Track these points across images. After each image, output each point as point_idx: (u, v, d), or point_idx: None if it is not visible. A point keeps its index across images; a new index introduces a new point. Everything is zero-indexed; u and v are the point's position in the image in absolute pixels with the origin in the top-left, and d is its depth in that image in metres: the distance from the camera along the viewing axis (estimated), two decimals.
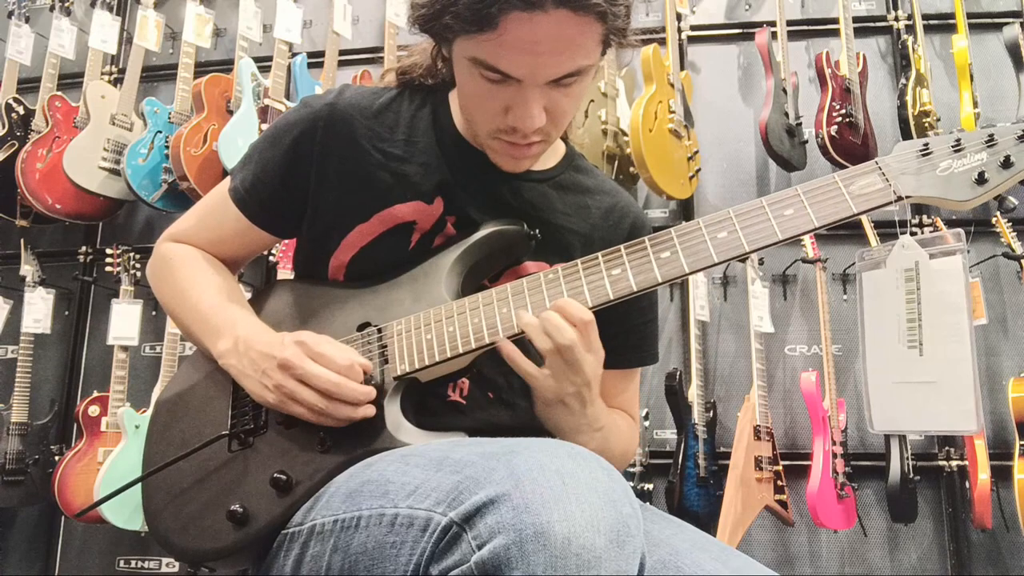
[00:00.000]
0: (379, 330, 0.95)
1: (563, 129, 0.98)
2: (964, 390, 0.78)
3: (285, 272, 2.50)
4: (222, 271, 1.09)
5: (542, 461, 0.66)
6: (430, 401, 0.96)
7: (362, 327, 0.97)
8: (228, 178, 1.09)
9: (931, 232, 2.38)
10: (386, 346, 0.93)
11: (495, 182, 1.03)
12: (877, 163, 0.84)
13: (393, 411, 0.90)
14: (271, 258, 2.58)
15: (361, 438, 0.88)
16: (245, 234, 1.08)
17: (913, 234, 0.75)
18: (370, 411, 0.88)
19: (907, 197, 0.82)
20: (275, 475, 0.86)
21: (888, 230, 2.29)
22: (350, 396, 0.87)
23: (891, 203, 0.82)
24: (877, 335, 0.83)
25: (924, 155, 0.83)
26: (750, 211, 0.85)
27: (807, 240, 2.40)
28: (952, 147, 0.82)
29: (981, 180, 0.80)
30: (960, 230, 0.81)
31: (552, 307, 0.86)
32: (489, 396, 1.00)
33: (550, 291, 0.88)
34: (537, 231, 1.00)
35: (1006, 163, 0.80)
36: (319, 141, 1.01)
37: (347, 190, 1.01)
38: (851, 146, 2.41)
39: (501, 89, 0.89)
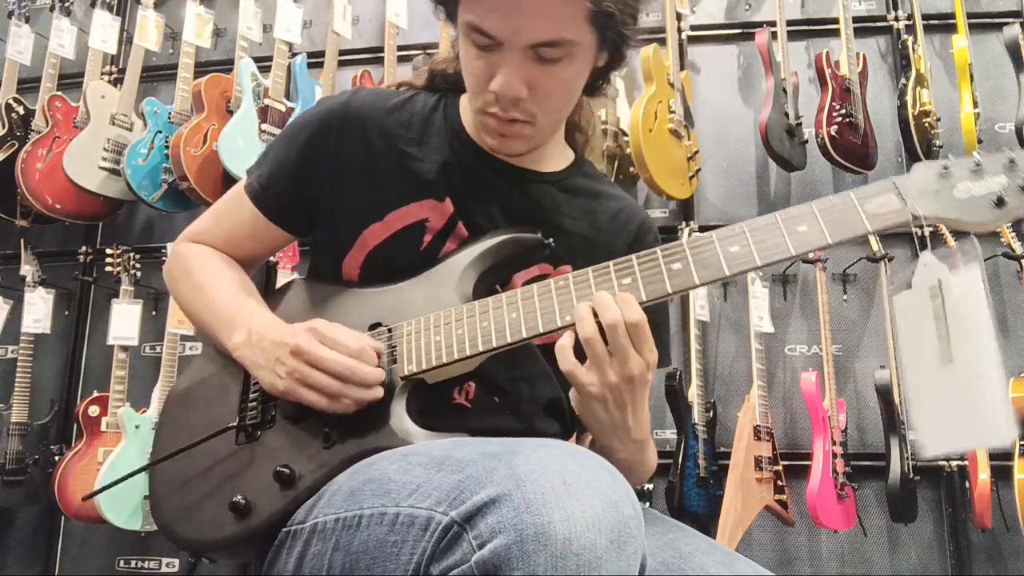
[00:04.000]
0: (389, 330, 0.96)
1: (552, 116, 0.99)
2: (997, 402, 0.77)
3: (285, 272, 2.50)
4: (236, 268, 1.11)
5: (544, 461, 0.66)
6: (435, 403, 0.96)
7: (373, 327, 0.97)
8: (244, 177, 1.11)
9: (931, 232, 2.39)
10: (395, 346, 0.94)
11: (503, 182, 1.04)
12: (894, 182, 0.84)
13: (399, 410, 0.90)
14: (271, 258, 2.58)
15: (365, 435, 0.88)
16: (261, 232, 1.09)
17: (917, 236, 0.75)
18: (379, 392, 0.89)
19: (924, 218, 0.81)
20: (279, 469, 0.87)
21: (890, 231, 2.28)
22: (363, 379, 0.88)
23: (907, 223, 0.81)
24: (914, 358, 0.82)
25: (943, 176, 0.83)
26: (764, 226, 0.85)
27: None
28: (971, 169, 0.82)
29: (1000, 203, 0.80)
30: (973, 237, 0.81)
31: (597, 296, 0.84)
32: (495, 401, 1.00)
33: (559, 297, 0.88)
34: (551, 240, 1.00)
35: None
36: (334, 139, 1.03)
37: (362, 188, 1.02)
38: (851, 146, 2.41)
39: (488, 56, 0.91)
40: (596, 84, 1.04)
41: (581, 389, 0.86)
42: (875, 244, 2.37)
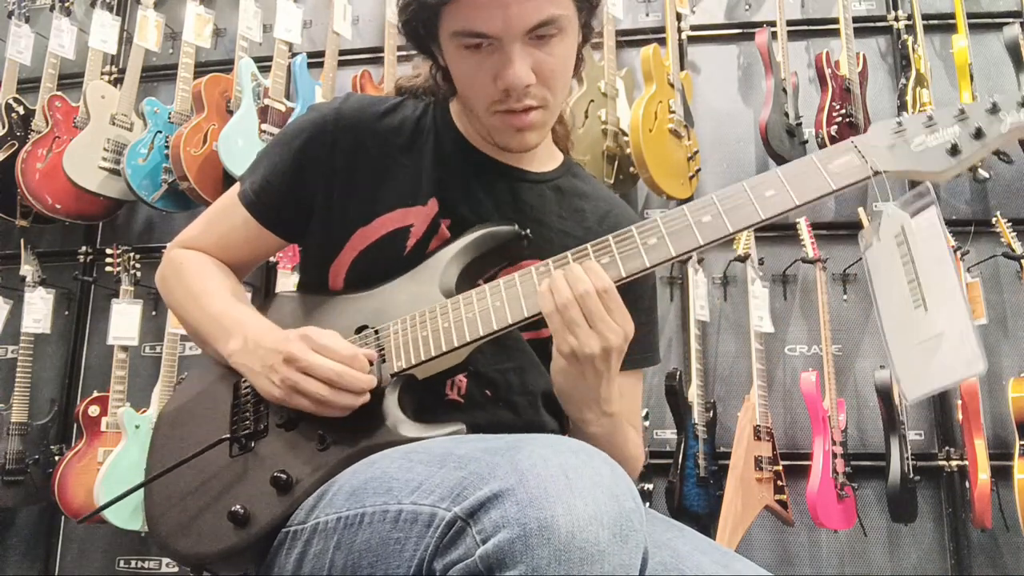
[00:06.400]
0: (376, 332, 0.96)
1: (559, 95, 0.99)
2: (964, 334, 0.80)
3: (285, 272, 2.50)
4: (230, 275, 1.11)
5: (546, 456, 0.66)
6: (428, 400, 0.97)
7: (359, 330, 0.98)
8: (237, 183, 1.11)
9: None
10: (384, 346, 0.95)
11: (494, 183, 1.05)
12: (853, 142, 0.86)
13: (392, 407, 0.91)
14: (271, 259, 2.58)
15: (361, 435, 0.88)
16: (254, 238, 1.09)
17: (877, 188, 0.78)
18: (367, 397, 0.90)
19: (884, 172, 0.84)
20: (275, 474, 0.87)
21: (853, 187, 2.28)
22: (352, 385, 0.88)
23: (868, 178, 0.84)
24: (890, 308, 0.85)
25: (898, 133, 0.85)
26: (732, 194, 0.87)
27: (807, 240, 2.40)
28: (924, 124, 0.85)
29: (954, 151, 0.83)
30: (928, 184, 0.84)
31: (568, 268, 0.86)
32: (487, 394, 1.01)
33: (541, 282, 0.89)
34: (528, 231, 1.01)
35: (977, 134, 0.82)
36: (327, 145, 1.04)
37: (352, 193, 1.03)
38: None
39: (485, 57, 0.92)
40: (576, 63, 1.05)
41: (561, 346, 0.86)
42: None
